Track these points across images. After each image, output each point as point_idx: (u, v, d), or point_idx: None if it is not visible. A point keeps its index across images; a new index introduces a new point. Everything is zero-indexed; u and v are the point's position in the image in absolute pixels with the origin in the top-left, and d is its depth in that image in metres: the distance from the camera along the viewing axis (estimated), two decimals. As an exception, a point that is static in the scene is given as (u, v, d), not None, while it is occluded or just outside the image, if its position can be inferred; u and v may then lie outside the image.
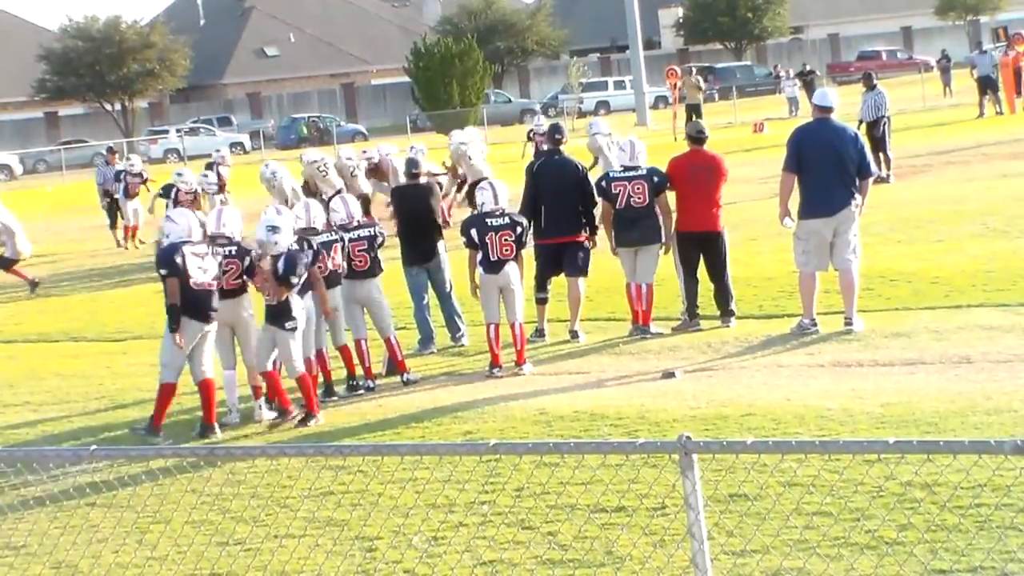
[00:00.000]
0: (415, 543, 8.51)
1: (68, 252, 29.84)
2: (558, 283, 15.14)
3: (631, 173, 14.52)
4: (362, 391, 13.34)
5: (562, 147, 15.23)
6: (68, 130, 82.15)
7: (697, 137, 14.92)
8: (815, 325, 13.64)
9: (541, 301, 14.95)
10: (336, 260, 13.36)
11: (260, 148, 68.60)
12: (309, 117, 77.09)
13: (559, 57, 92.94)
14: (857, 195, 13.60)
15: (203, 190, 24.80)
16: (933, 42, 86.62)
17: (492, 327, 13.48)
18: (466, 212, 18.92)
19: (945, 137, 35.07)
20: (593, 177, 15.53)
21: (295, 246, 12.46)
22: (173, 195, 23.43)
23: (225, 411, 12.62)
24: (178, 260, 12.04)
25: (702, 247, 14.45)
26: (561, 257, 14.78)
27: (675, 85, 47.90)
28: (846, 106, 21.78)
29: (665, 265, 14.77)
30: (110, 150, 34.82)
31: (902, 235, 19.25)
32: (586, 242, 14.83)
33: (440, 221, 15.59)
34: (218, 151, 28.41)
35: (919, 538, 7.68)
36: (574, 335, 14.64)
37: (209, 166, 26.87)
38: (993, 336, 12.75)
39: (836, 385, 11.63)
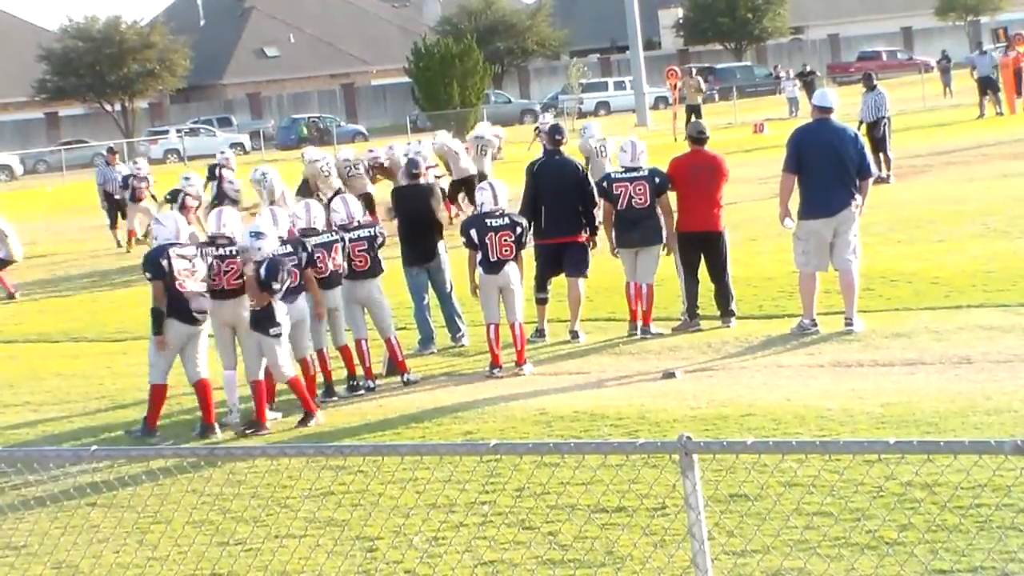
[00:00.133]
0: (416, 543, 8.51)
1: (68, 252, 29.84)
2: (558, 283, 15.14)
3: (632, 174, 14.52)
4: (362, 391, 13.35)
5: (562, 148, 15.25)
6: (68, 130, 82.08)
7: (698, 137, 14.92)
8: (815, 325, 13.64)
9: (541, 301, 14.96)
10: (337, 260, 13.36)
11: (260, 149, 68.58)
12: (309, 117, 77.04)
13: (559, 57, 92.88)
14: (857, 195, 13.60)
15: (233, 199, 22.73)
16: (933, 42, 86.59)
17: (492, 327, 13.49)
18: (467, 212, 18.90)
19: (945, 137, 35.05)
20: (590, 178, 15.56)
21: (285, 249, 12.47)
22: (180, 200, 22.91)
23: (226, 411, 12.62)
24: (163, 263, 12.06)
25: (703, 247, 14.45)
26: (561, 257, 14.78)
27: (675, 86, 47.89)
28: (846, 107, 21.78)
29: (665, 265, 14.77)
30: (110, 150, 34.70)
31: (902, 235, 19.24)
32: (586, 243, 14.84)
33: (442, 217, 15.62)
34: (222, 152, 28.21)
35: (919, 538, 7.68)
36: (574, 335, 14.65)
37: (213, 168, 26.79)
38: (993, 336, 12.75)
39: (836, 385, 11.63)
